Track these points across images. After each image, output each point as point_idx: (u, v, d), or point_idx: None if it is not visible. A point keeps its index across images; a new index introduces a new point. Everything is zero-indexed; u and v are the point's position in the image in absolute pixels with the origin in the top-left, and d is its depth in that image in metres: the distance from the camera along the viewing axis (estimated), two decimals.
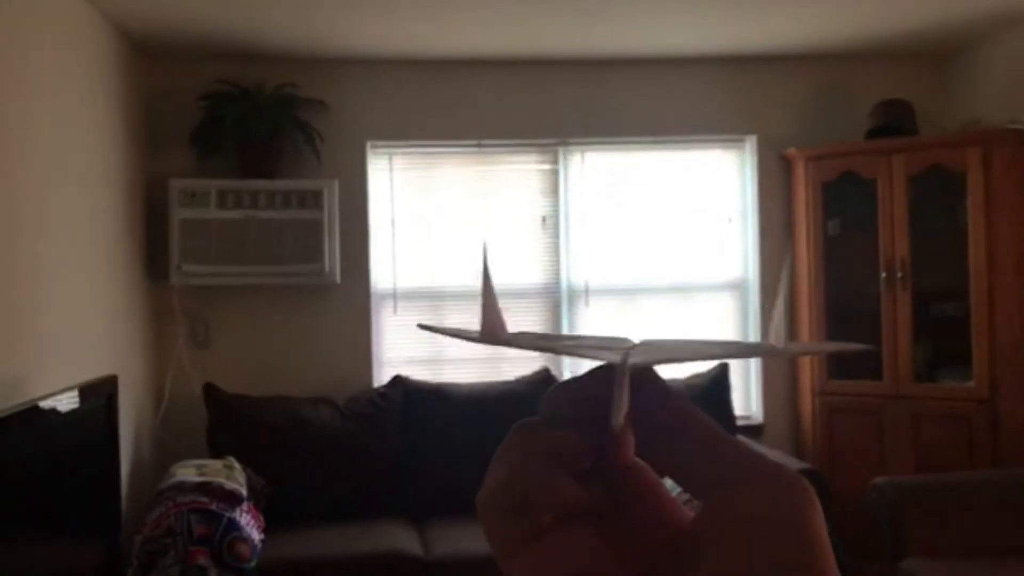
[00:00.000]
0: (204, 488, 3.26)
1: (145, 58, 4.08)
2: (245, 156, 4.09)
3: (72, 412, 2.45)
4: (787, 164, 4.53)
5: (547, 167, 4.51)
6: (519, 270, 4.48)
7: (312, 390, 4.07)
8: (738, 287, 4.63)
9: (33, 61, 2.85)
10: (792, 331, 4.54)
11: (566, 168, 4.51)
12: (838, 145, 4.33)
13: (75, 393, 2.49)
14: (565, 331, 4.49)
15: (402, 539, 3.51)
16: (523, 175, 4.51)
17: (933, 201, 4.17)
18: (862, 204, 4.23)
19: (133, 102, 3.93)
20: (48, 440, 2.32)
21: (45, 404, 2.26)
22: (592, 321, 4.50)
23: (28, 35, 2.81)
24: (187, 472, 3.38)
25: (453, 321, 4.44)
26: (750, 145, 4.59)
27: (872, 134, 4.28)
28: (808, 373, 4.39)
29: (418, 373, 4.24)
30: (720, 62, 4.48)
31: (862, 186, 4.21)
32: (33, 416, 2.18)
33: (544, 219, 4.49)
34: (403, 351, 4.40)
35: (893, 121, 4.25)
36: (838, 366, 4.33)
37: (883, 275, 4.14)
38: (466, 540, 3.50)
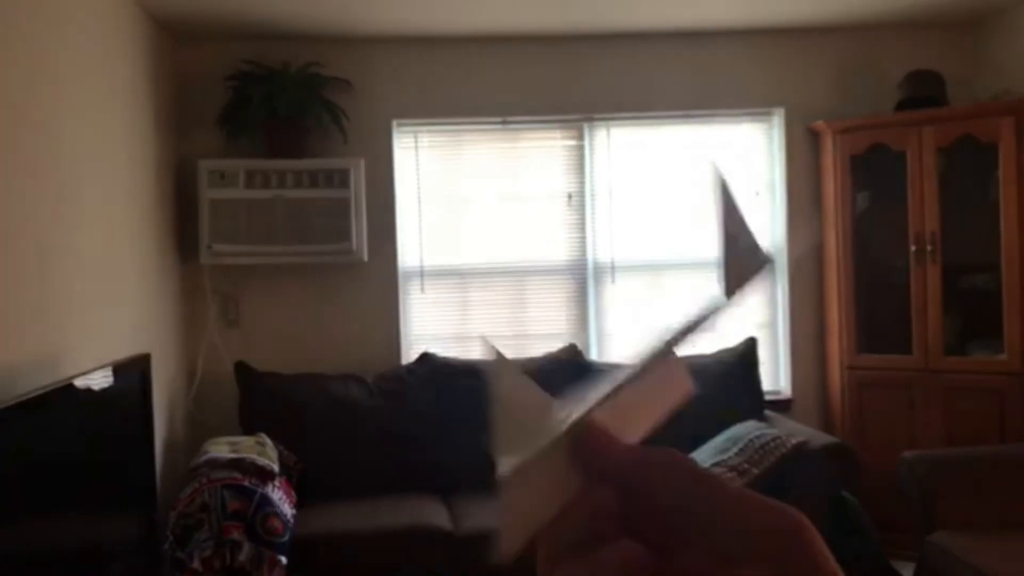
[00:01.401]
0: (237, 464, 3.31)
1: (173, 40, 4.12)
2: (272, 136, 4.12)
3: (106, 390, 2.49)
4: (815, 137, 4.49)
5: (572, 143, 4.50)
6: (545, 247, 4.48)
7: (341, 367, 4.11)
8: None
9: (66, 45, 2.88)
10: (821, 305, 4.52)
11: (591, 144, 4.50)
12: (867, 117, 4.29)
13: (109, 371, 2.53)
14: (591, 306, 4.50)
15: (431, 513, 3.55)
16: (548, 152, 4.51)
17: (964, 173, 4.11)
18: (891, 177, 4.18)
19: (162, 84, 3.97)
20: (84, 417, 2.36)
21: (80, 382, 2.30)
22: (618, 297, 4.50)
23: (60, 19, 2.84)
24: (220, 448, 3.44)
25: (479, 298, 4.46)
26: (778, 118, 4.55)
27: (901, 105, 4.23)
28: (837, 347, 4.37)
29: (446, 350, 4.26)
30: (747, 34, 4.44)
31: (891, 158, 4.16)
32: (69, 394, 2.22)
33: (570, 196, 4.49)
34: (430, 328, 4.43)
35: (923, 92, 4.20)
36: (867, 340, 4.31)
37: (913, 248, 4.10)
38: (494, 514, 3.53)
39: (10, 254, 2.42)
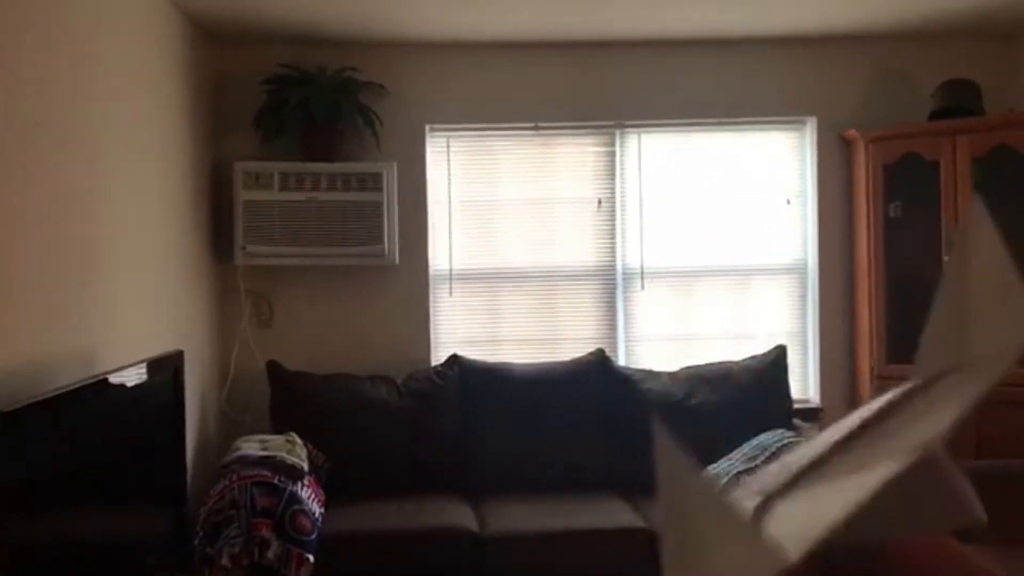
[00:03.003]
0: (267, 462, 3.35)
1: (211, 43, 4.19)
2: (307, 139, 4.17)
3: (140, 386, 2.54)
4: (847, 146, 4.47)
5: (604, 149, 4.52)
6: (574, 252, 4.50)
7: (371, 368, 4.15)
8: (797, 270, 4.59)
9: (106, 46, 2.94)
10: (852, 314, 4.49)
11: (622, 150, 4.51)
12: (900, 126, 4.26)
13: (143, 367, 2.58)
14: (620, 312, 4.50)
15: (458, 515, 3.57)
16: (579, 157, 4.53)
17: (998, 183, 4.07)
18: (924, 186, 4.15)
19: (199, 86, 4.03)
20: (117, 413, 2.40)
21: (114, 378, 2.35)
22: (647, 303, 4.51)
23: (101, 22, 2.90)
24: (250, 446, 3.48)
25: (508, 303, 4.49)
26: (810, 127, 4.53)
27: (936, 115, 4.20)
28: (867, 357, 4.34)
29: (474, 353, 4.29)
30: (780, 43, 4.43)
31: (925, 168, 4.13)
32: (103, 389, 2.27)
33: (600, 201, 4.50)
34: (460, 331, 4.46)
35: (958, 101, 4.17)
36: (898, 350, 4.28)
37: (945, 258, 4.07)
38: (520, 517, 3.55)
39: (51, 252, 2.48)
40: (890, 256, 4.27)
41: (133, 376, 2.50)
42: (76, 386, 2.14)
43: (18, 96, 2.29)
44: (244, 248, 4.07)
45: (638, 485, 3.87)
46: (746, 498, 0.39)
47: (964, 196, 4.02)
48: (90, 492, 2.24)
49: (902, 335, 4.31)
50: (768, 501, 0.39)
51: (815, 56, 4.47)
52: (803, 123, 4.56)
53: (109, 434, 2.34)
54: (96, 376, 2.29)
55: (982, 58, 4.43)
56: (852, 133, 4.37)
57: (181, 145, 3.77)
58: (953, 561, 0.35)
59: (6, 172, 2.23)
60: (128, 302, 3.10)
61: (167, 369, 2.82)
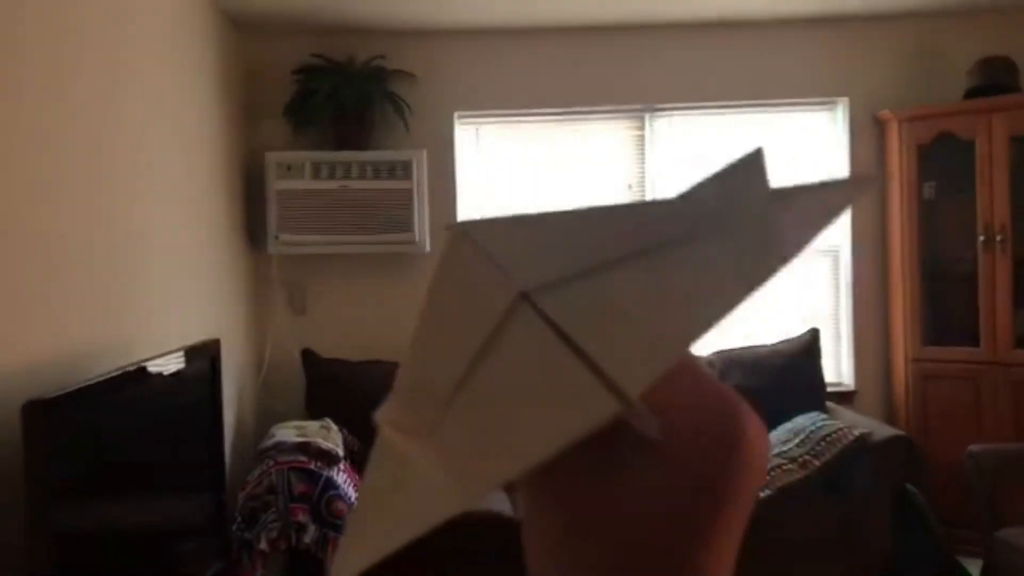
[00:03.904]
0: (303, 448, 3.39)
1: (241, 34, 4.22)
2: (337, 128, 4.20)
3: (178, 373, 2.57)
4: (880, 126, 4.42)
5: (634, 133, 4.50)
6: None
7: (403, 355, 4.16)
8: (830, 253, 4.55)
9: (139, 38, 2.98)
10: (886, 296, 4.45)
11: (653, 134, 4.49)
12: (934, 106, 4.21)
13: (181, 355, 2.62)
14: None
15: (491, 499, 3.59)
16: (609, 141, 4.52)
17: None
18: (959, 166, 4.10)
19: (231, 77, 4.07)
20: (156, 400, 2.44)
21: (152, 366, 2.39)
22: None
23: (135, 15, 2.94)
24: (287, 432, 3.53)
25: None
26: (842, 107, 4.49)
27: (971, 93, 4.14)
28: (901, 339, 4.30)
29: None
30: (811, 23, 4.38)
31: (960, 148, 4.08)
32: (142, 377, 2.31)
33: (630, 186, 4.49)
34: None
35: (994, 79, 4.10)
36: (933, 332, 4.24)
37: (981, 239, 4.02)
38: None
39: (89, 242, 2.52)
40: (924, 238, 4.23)
41: (171, 364, 2.54)
42: (114, 374, 2.17)
43: (55, 90, 2.33)
44: (277, 237, 4.12)
45: None
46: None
47: (1000, 176, 3.96)
48: (130, 479, 2.28)
49: (937, 317, 4.28)
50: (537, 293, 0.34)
51: (847, 36, 4.42)
52: (835, 104, 4.51)
53: (148, 422, 2.38)
54: (134, 363, 2.32)
55: (1019, 34, 4.35)
56: (885, 113, 4.32)
57: (214, 136, 3.81)
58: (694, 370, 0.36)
59: (47, 165, 2.27)
60: (166, 292, 3.15)
61: (204, 357, 2.85)
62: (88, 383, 2.00)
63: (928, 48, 4.42)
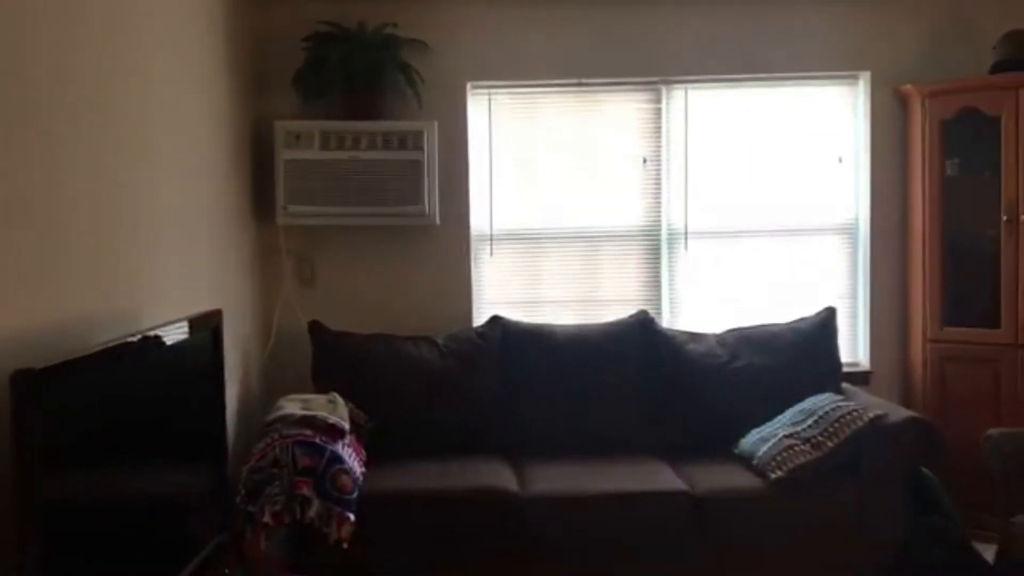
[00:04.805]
0: (308, 421, 3.35)
1: (250, 1, 4.14)
2: (347, 98, 4.13)
3: (180, 344, 2.53)
4: (903, 101, 4.32)
5: (649, 106, 4.41)
6: (618, 212, 4.42)
7: (412, 328, 4.13)
8: (848, 230, 4.47)
9: (147, 5, 2.92)
10: (905, 275, 4.37)
11: (668, 107, 4.40)
12: (959, 81, 4.11)
13: (184, 325, 2.57)
14: (664, 272, 4.43)
15: (499, 476, 3.55)
16: (624, 114, 4.43)
17: None
18: (984, 143, 4.02)
19: (240, 45, 4.00)
20: (158, 370, 2.40)
21: (155, 335, 2.34)
22: (691, 264, 4.43)
23: None
24: (292, 405, 3.49)
25: (550, 263, 4.44)
26: (863, 81, 4.39)
27: (998, 67, 4.04)
28: (920, 319, 4.22)
29: (516, 314, 4.25)
30: None
31: (985, 124, 3.99)
32: (145, 346, 2.27)
33: (645, 159, 4.41)
34: (501, 292, 4.42)
35: (1021, 53, 4.00)
36: (952, 313, 4.15)
37: (1004, 218, 3.93)
38: (561, 478, 3.53)
39: (96, 211, 2.48)
40: (947, 216, 4.14)
41: (173, 334, 2.49)
42: (117, 342, 2.13)
43: (63, 58, 2.28)
44: (285, 208, 4.06)
45: (679, 447, 3.84)
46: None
47: None
48: (132, 449, 2.24)
49: (958, 298, 4.19)
50: None
51: (869, 7, 4.31)
52: (856, 77, 4.41)
53: (150, 392, 2.34)
54: (137, 332, 2.28)
55: None
56: (908, 88, 4.22)
57: (221, 104, 3.75)
58: None
59: (52, 133, 2.21)
60: (172, 261, 3.10)
61: (207, 328, 2.81)
62: (89, 352, 1.96)
63: (953, 20, 4.31)
